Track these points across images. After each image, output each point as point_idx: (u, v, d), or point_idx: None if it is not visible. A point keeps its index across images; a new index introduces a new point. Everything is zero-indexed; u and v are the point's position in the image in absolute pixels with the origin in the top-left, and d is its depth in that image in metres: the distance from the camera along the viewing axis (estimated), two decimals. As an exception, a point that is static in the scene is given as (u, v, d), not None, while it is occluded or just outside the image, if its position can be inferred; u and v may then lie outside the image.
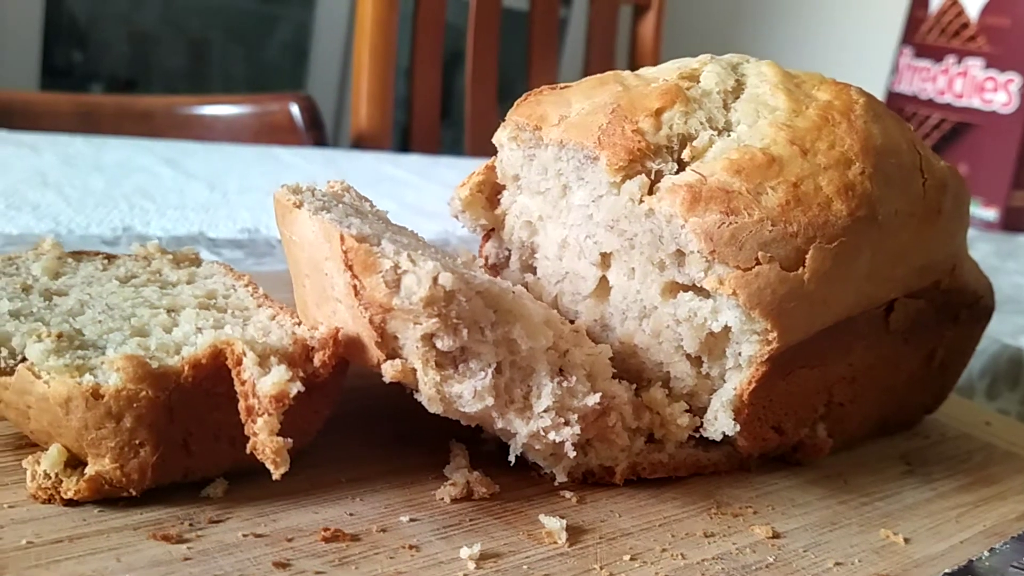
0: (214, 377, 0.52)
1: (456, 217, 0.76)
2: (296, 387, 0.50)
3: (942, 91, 2.69)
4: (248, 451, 0.49)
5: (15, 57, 3.33)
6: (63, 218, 1.26)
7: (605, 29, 2.65)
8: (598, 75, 0.69)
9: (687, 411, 0.65)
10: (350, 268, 0.53)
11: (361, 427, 0.64)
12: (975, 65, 2.60)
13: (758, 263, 0.58)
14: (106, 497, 0.52)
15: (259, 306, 0.66)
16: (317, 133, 2.19)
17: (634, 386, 0.65)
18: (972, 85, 2.63)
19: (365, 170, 1.91)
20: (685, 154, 0.61)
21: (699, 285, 0.60)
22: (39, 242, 0.70)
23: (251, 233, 1.33)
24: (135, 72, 3.95)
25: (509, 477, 0.61)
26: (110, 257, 0.71)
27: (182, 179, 1.57)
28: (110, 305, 0.61)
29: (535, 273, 0.74)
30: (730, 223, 0.57)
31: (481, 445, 0.64)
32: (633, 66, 2.65)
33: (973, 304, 0.79)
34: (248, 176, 1.68)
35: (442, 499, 0.59)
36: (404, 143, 2.37)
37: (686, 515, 0.63)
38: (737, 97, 0.66)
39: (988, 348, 1.18)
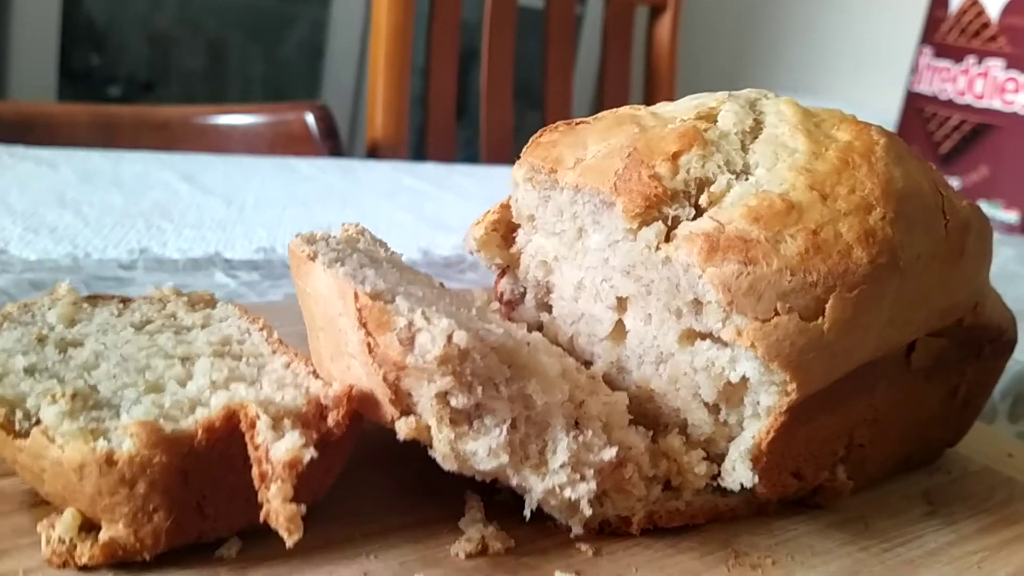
0: (228, 439, 0.52)
1: (471, 253, 0.75)
2: (310, 453, 0.49)
3: (962, 92, 2.65)
4: (262, 519, 0.49)
5: (33, 60, 3.35)
6: (80, 240, 1.26)
7: (621, 27, 2.63)
8: (615, 113, 0.68)
9: (705, 459, 0.64)
10: (364, 325, 0.53)
11: (375, 477, 0.64)
12: (996, 66, 2.57)
13: (777, 314, 0.57)
14: (120, 561, 0.52)
15: (274, 352, 0.65)
16: (333, 143, 2.19)
17: (651, 433, 0.65)
18: (993, 86, 2.59)
19: (382, 180, 1.91)
20: (703, 199, 0.60)
21: (717, 335, 0.59)
22: (55, 287, 0.69)
23: (267, 252, 1.33)
24: (153, 73, 3.97)
25: (525, 528, 0.61)
26: (125, 301, 0.70)
27: (199, 195, 1.58)
28: (125, 356, 0.61)
29: (551, 312, 0.73)
30: (748, 273, 0.56)
31: (496, 495, 0.63)
32: (650, 67, 2.63)
33: (996, 339, 0.78)
34: (265, 190, 1.68)
35: (457, 555, 0.58)
36: (420, 141, 2.37)
37: (704, 567, 0.62)
38: (755, 137, 0.65)
39: (1010, 368, 1.16)
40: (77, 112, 2.22)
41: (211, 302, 0.73)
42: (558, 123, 0.71)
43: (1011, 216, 2.56)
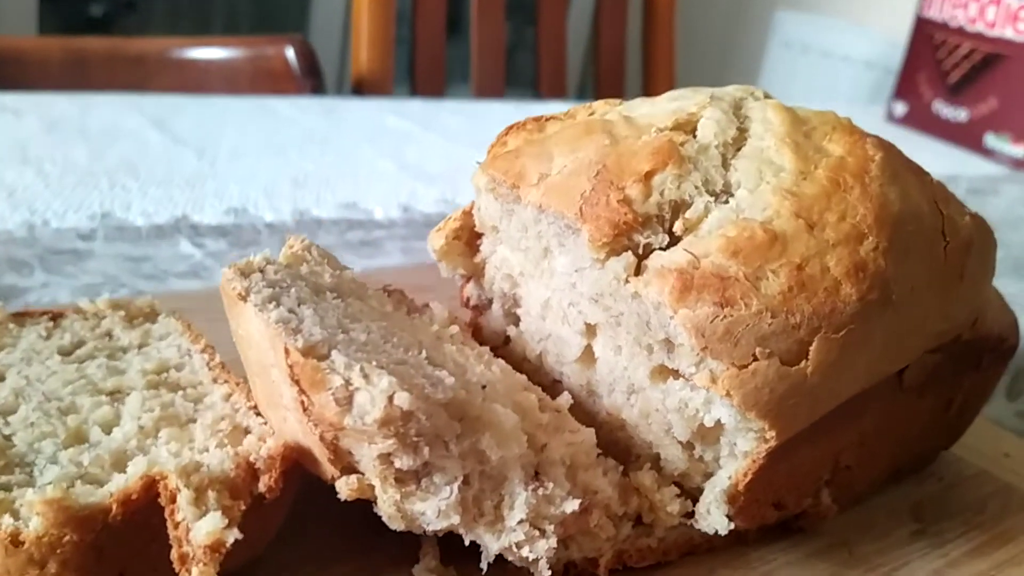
0: (148, 509, 0.47)
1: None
2: (233, 535, 0.45)
3: (973, 19, 2.54)
4: (183, 605, 0.45)
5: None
6: (39, 204, 1.20)
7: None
8: (584, 119, 0.61)
9: (678, 495, 0.60)
10: (297, 383, 0.48)
11: (319, 519, 0.59)
12: (1009, -7, 2.45)
13: (755, 359, 0.52)
14: (39, 636, 0.48)
15: (214, 380, 0.60)
16: (314, 80, 2.10)
17: (621, 467, 0.60)
18: (1006, 14, 2.48)
19: (365, 121, 1.83)
20: (677, 226, 0.55)
21: (689, 378, 0.54)
22: (-21, 305, 0.64)
23: (237, 215, 1.27)
24: (135, -9, 3.83)
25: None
26: (56, 318, 0.65)
27: (170, 145, 1.50)
28: (48, 394, 0.56)
29: (518, 325, 0.68)
30: (724, 316, 0.51)
31: (454, 536, 0.59)
32: (647, 18, 2.50)
33: (996, 348, 0.72)
34: (241, 136, 1.60)
35: (409, 608, 0.55)
36: (410, 61, 2.27)
37: (674, 614, 0.58)
38: (738, 150, 0.58)
39: (1011, 342, 1.12)
40: (50, 47, 2.13)
41: (151, 315, 0.68)
42: (526, 120, 0.65)
43: (1018, 150, 2.48)
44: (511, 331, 0.69)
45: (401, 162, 1.64)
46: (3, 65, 1.96)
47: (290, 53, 2.09)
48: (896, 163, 0.59)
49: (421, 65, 2.27)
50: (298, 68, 2.09)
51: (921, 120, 2.61)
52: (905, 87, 2.71)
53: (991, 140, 2.51)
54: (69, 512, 0.45)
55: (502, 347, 0.70)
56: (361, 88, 2.16)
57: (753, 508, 0.61)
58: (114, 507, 0.46)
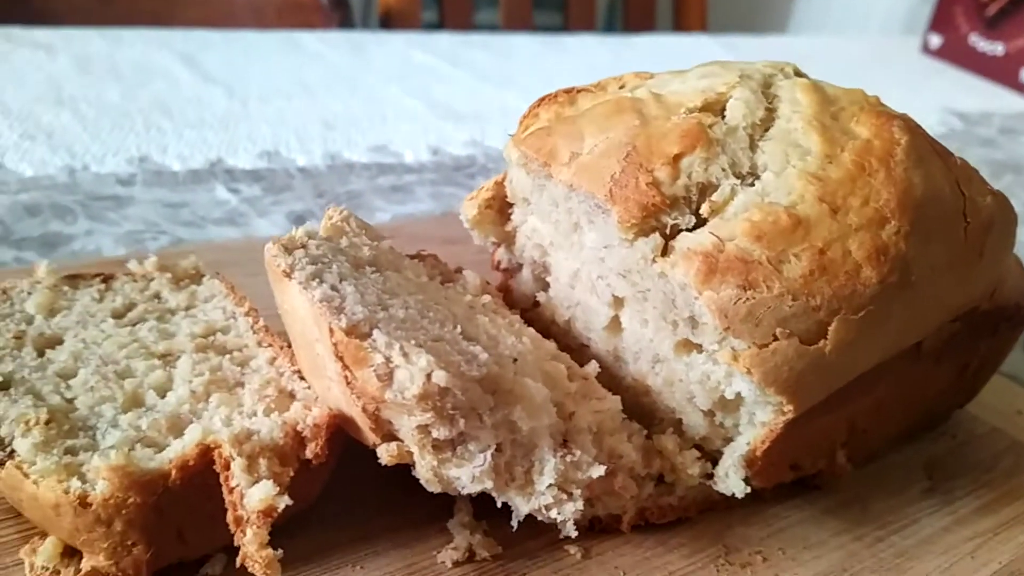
0: (204, 472, 0.51)
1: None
2: (284, 501, 0.48)
3: (1013, -50, 2.47)
4: (238, 564, 0.49)
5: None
6: (78, 148, 1.23)
7: None
8: (615, 96, 0.63)
9: (699, 458, 0.63)
10: (341, 359, 0.51)
11: (362, 478, 0.62)
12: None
13: (776, 339, 0.54)
14: (105, 585, 0.52)
15: (259, 344, 0.64)
16: (341, 12, 2.09)
17: (644, 431, 0.63)
18: (1046, -54, 2.41)
19: (392, 57, 1.83)
20: (704, 208, 0.56)
21: (712, 354, 0.57)
22: (34, 267, 0.67)
23: (270, 159, 1.29)
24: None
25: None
26: (107, 279, 0.68)
27: (200, 84, 1.52)
28: (104, 357, 0.60)
29: (547, 291, 0.70)
30: (747, 299, 0.53)
31: (485, 494, 0.63)
32: None
33: (1013, 315, 0.74)
34: (270, 74, 1.61)
35: (443, 563, 0.59)
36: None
37: (692, 568, 0.62)
38: (766, 130, 0.60)
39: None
40: (76, -25, 2.12)
41: (196, 277, 0.71)
42: (557, 92, 0.66)
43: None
44: (540, 296, 0.71)
45: (429, 101, 1.65)
46: (31, -3, 1.96)
47: (318, -15, 2.08)
48: (922, 146, 0.60)
49: (448, -2, 2.25)
50: (326, 1, 2.08)
51: (956, 53, 2.55)
52: (941, 19, 2.65)
53: (1026, 75, 2.46)
54: (132, 477, 0.49)
55: (531, 309, 0.73)
56: (388, 19, 2.15)
57: (770, 470, 0.64)
58: (173, 472, 0.50)
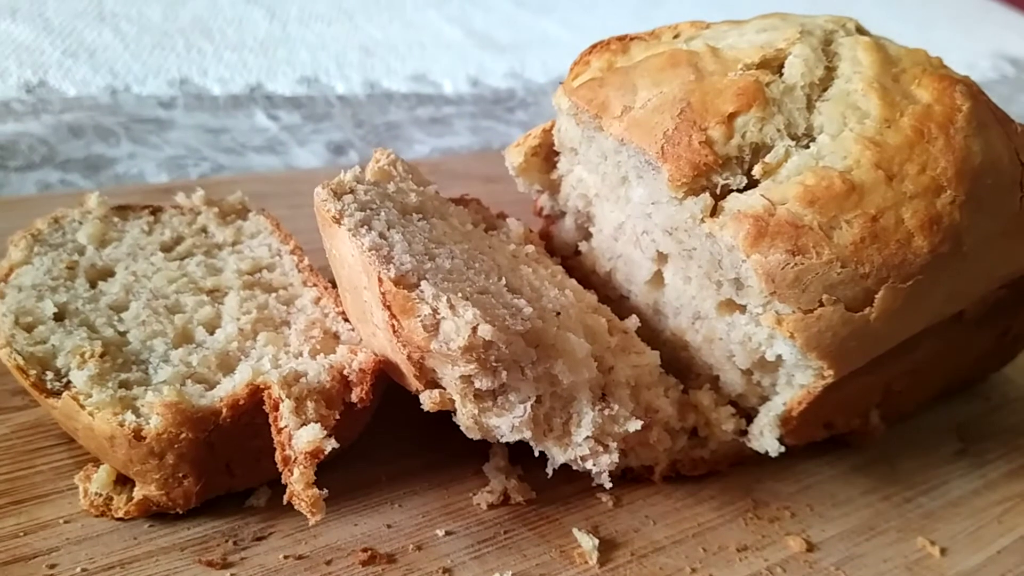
0: (252, 411, 0.52)
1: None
2: (331, 444, 0.50)
3: None
4: (285, 501, 0.50)
5: None
6: (120, 67, 1.22)
7: None
8: (669, 49, 0.61)
9: (733, 414, 0.64)
10: (388, 308, 0.51)
11: (401, 421, 0.64)
12: None
13: (821, 305, 0.54)
14: (155, 512, 0.54)
15: (304, 283, 0.64)
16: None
17: (681, 386, 0.64)
18: None
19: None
20: (756, 169, 0.56)
21: (755, 317, 0.57)
22: (85, 198, 0.68)
23: (309, 84, 1.28)
24: None
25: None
26: (156, 212, 0.69)
27: (241, 5, 1.50)
28: (155, 291, 0.61)
29: (590, 241, 0.70)
30: (795, 264, 0.53)
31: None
32: None
33: (1059, 281, 0.73)
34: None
35: (479, 504, 0.60)
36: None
37: (722, 520, 0.63)
38: (824, 90, 0.58)
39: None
40: None
41: (242, 212, 0.71)
42: (609, 40, 0.65)
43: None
44: (582, 245, 0.71)
45: (468, 29, 1.62)
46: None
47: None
48: (983, 113, 0.58)
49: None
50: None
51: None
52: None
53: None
54: (185, 414, 0.50)
55: (572, 257, 0.73)
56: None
57: (804, 429, 0.64)
58: (224, 410, 0.51)
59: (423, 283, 0.52)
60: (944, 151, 0.56)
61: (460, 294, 0.52)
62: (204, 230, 0.69)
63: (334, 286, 0.63)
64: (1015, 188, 0.59)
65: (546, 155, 0.70)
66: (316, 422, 0.50)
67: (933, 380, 0.73)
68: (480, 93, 1.39)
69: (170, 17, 1.41)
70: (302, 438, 0.50)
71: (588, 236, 0.71)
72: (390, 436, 0.64)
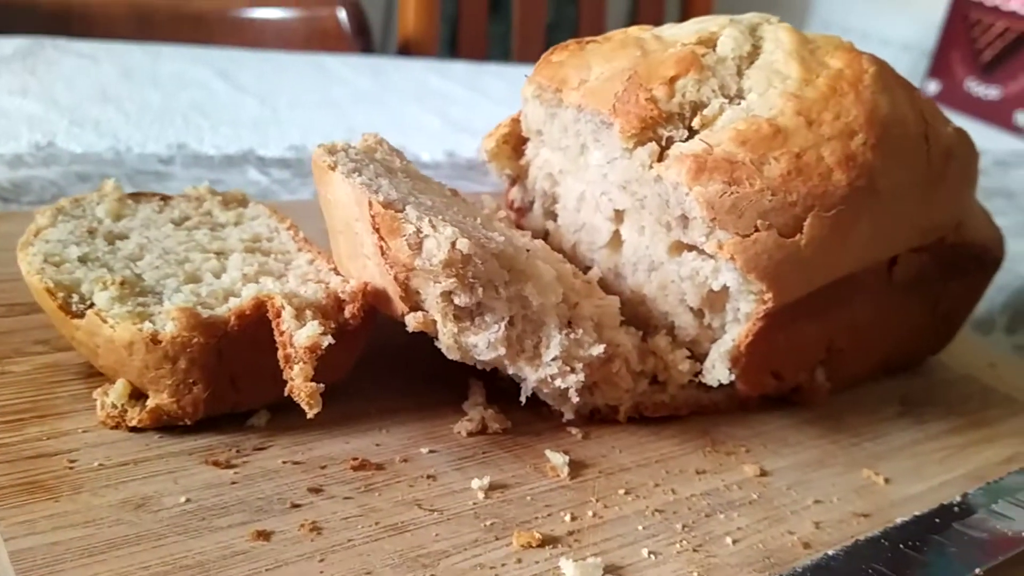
0: (257, 325, 0.59)
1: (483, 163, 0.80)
2: (328, 340, 0.56)
3: (1009, -3, 2.60)
4: (286, 393, 0.56)
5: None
6: (123, 134, 1.32)
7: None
8: (623, 32, 0.72)
9: (689, 357, 0.70)
10: (377, 231, 0.59)
11: (390, 363, 0.71)
12: (1045, -28, 2.51)
13: (757, 230, 0.62)
14: (165, 425, 0.59)
15: (299, 250, 0.72)
16: (364, 40, 2.21)
17: (641, 333, 0.71)
18: (1041, -8, 2.54)
19: (411, 81, 1.94)
20: (695, 122, 0.65)
21: (701, 248, 0.65)
22: (102, 184, 0.76)
23: (298, 151, 1.39)
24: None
25: (521, 413, 0.68)
26: (165, 198, 0.77)
27: (235, 93, 1.62)
28: (166, 249, 0.68)
29: (556, 220, 0.79)
30: (731, 192, 0.61)
31: (498, 382, 0.70)
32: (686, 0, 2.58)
33: (980, 256, 0.82)
34: (298, 90, 1.72)
35: (459, 432, 0.66)
36: (452, 36, 2.38)
37: (682, 452, 0.69)
38: (752, 63, 0.68)
39: (1011, 283, 1.21)
40: (117, 4, 2.26)
41: (243, 201, 0.79)
42: (568, 42, 0.75)
43: (1051, 129, 2.53)
44: (549, 225, 0.79)
45: (446, 118, 1.75)
46: (73, 20, 2.09)
47: (342, 15, 2.21)
48: (888, 76, 0.69)
49: (464, 41, 2.37)
50: (349, 29, 2.20)
51: (953, 98, 2.66)
52: (939, 66, 2.77)
53: (1021, 118, 2.57)
54: (197, 319, 0.57)
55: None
56: (407, 49, 2.27)
57: (754, 374, 0.71)
58: (232, 318, 0.58)
59: (408, 208, 0.60)
60: (855, 103, 0.65)
61: (441, 218, 0.60)
62: (209, 213, 0.76)
63: (329, 254, 0.70)
64: (921, 141, 0.68)
65: (515, 144, 0.79)
66: (315, 320, 0.57)
67: (873, 346, 0.80)
68: (455, 161, 1.50)
69: (169, 100, 1.52)
70: (302, 334, 0.56)
71: (554, 218, 0.79)
72: (376, 382, 0.70)
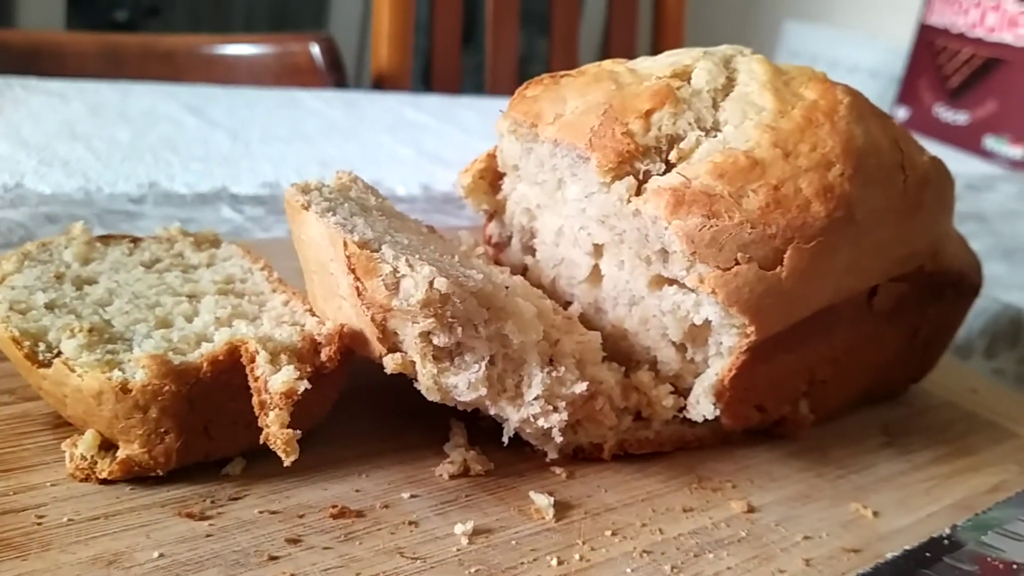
0: (230, 370, 0.57)
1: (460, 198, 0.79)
2: (303, 385, 0.55)
3: (974, 24, 2.64)
4: (261, 441, 0.54)
5: (40, -15, 3.35)
6: (92, 174, 1.31)
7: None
8: (594, 68, 0.71)
9: (672, 392, 0.69)
10: (353, 271, 0.58)
11: (368, 405, 0.69)
12: (1008, -1, 2.56)
13: (737, 263, 0.61)
14: (136, 476, 0.58)
15: (273, 291, 0.70)
16: (337, 75, 2.20)
17: (623, 368, 0.70)
18: (1004, 19, 2.59)
19: (385, 114, 1.94)
20: (672, 155, 0.64)
21: (682, 282, 0.64)
22: (69, 227, 0.74)
23: (272, 188, 1.37)
24: (158, -3, 3.96)
25: (504, 453, 0.66)
26: (135, 240, 0.75)
27: (206, 128, 1.61)
28: (136, 293, 0.66)
29: (534, 255, 0.78)
30: (711, 226, 0.61)
31: (479, 422, 0.68)
32: (657, 30, 2.61)
33: (958, 283, 0.82)
34: (270, 124, 1.71)
35: (441, 475, 0.64)
36: (426, 68, 2.38)
37: (668, 490, 0.68)
38: (727, 95, 0.68)
39: (989, 308, 1.21)
40: (85, 41, 2.24)
41: (216, 242, 0.78)
42: (543, 76, 0.75)
43: (1016, 151, 2.57)
44: (528, 260, 0.78)
45: (420, 150, 1.75)
46: (42, 58, 2.07)
47: (315, 50, 2.20)
48: (862, 106, 0.69)
49: (437, 73, 2.38)
50: (323, 64, 2.20)
51: (922, 124, 2.70)
52: (907, 92, 2.81)
53: (990, 142, 2.60)
54: (168, 366, 0.55)
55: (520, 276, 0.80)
56: (381, 83, 2.27)
57: (738, 407, 0.70)
58: (204, 365, 0.56)
59: (384, 247, 0.59)
60: (830, 133, 0.65)
61: (418, 257, 0.59)
62: (180, 255, 0.75)
63: (304, 294, 0.69)
64: (897, 170, 0.68)
65: (492, 179, 0.78)
66: (291, 365, 0.55)
67: (855, 376, 0.79)
68: (431, 195, 1.49)
69: (139, 137, 1.51)
70: (277, 380, 0.55)
71: (533, 252, 0.78)
72: (354, 426, 0.68)
